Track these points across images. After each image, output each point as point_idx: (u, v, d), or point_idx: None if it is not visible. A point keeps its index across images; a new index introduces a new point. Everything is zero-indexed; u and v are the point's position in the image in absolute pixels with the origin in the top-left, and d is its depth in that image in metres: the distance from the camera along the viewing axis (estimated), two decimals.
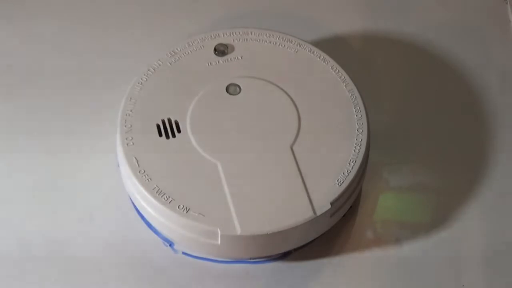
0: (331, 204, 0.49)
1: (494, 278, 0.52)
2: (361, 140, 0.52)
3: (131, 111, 0.52)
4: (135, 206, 0.52)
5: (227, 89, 0.53)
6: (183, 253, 0.52)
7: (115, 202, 0.54)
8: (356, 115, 0.53)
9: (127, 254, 0.52)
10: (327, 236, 0.53)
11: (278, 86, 0.53)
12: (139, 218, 0.53)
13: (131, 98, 0.52)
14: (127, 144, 0.51)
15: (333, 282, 0.52)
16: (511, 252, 0.53)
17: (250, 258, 0.52)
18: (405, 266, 0.53)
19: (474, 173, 0.56)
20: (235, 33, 0.56)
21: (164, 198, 0.49)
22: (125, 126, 0.51)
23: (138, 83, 0.53)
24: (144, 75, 0.53)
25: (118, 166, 0.52)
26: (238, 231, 0.48)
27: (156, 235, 0.52)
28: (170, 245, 0.52)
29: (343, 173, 0.50)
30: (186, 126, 0.51)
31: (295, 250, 0.52)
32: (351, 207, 0.54)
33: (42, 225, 0.53)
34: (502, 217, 0.55)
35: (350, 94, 0.53)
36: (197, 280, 0.52)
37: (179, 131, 0.51)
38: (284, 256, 0.52)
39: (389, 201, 0.55)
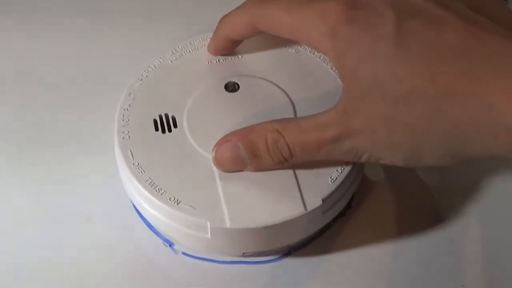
0: (323, 200, 0.49)
1: (494, 278, 0.51)
2: None
3: (129, 105, 0.52)
4: (135, 206, 0.53)
5: (225, 87, 0.53)
6: (183, 253, 0.52)
7: (115, 202, 0.54)
8: None
9: (126, 254, 0.52)
10: (327, 236, 0.53)
11: (277, 86, 0.53)
12: (139, 218, 0.53)
13: (130, 94, 0.53)
14: (123, 138, 0.51)
15: (333, 282, 0.52)
16: (511, 252, 0.53)
17: (243, 254, 0.51)
18: (405, 266, 0.52)
19: (474, 173, 0.56)
20: None
21: (155, 190, 0.49)
22: (122, 120, 0.52)
23: (138, 79, 0.54)
24: (145, 71, 0.54)
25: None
26: (228, 224, 0.47)
27: (156, 235, 0.53)
28: (170, 245, 0.52)
29: (336, 170, 0.50)
30: (183, 121, 0.52)
31: (295, 250, 0.52)
32: (350, 207, 0.54)
33: (41, 225, 0.53)
34: (502, 217, 0.54)
35: None
36: (197, 280, 0.52)
37: (175, 126, 0.52)
38: (284, 256, 0.52)
39: (388, 201, 0.55)
